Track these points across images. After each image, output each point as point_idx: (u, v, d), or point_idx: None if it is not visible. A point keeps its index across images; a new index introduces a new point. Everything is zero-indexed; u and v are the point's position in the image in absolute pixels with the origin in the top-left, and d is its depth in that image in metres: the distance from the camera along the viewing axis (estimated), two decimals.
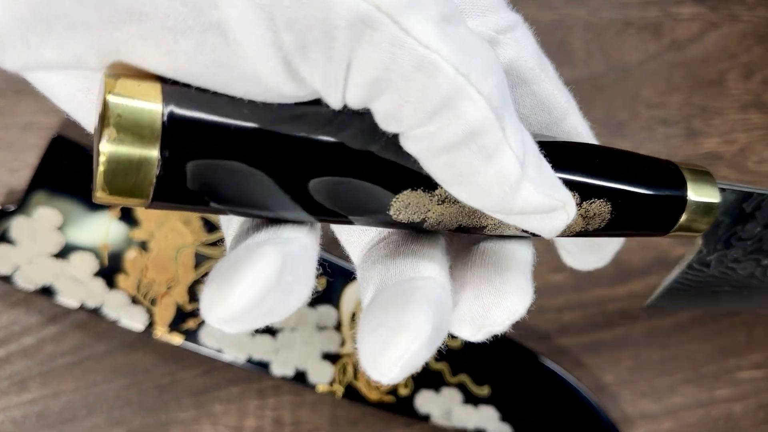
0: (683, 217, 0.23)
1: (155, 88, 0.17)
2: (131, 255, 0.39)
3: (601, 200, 0.21)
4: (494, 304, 0.21)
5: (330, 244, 0.27)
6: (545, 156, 0.19)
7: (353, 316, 0.42)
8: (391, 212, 0.19)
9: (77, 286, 0.38)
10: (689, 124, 0.49)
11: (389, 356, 0.18)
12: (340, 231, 0.24)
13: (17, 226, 0.37)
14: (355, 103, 0.17)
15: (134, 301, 0.39)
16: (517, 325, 0.49)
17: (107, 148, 0.16)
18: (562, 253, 0.26)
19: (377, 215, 0.19)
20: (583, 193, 0.21)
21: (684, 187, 0.22)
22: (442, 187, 0.19)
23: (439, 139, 0.17)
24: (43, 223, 0.38)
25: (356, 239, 0.23)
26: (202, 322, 0.39)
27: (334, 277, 0.41)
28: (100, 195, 0.17)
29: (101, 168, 0.16)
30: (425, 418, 0.42)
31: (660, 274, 0.47)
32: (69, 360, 0.40)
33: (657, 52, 0.49)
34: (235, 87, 0.17)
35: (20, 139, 0.40)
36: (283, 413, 0.42)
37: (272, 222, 0.19)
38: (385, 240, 0.22)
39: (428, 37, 0.16)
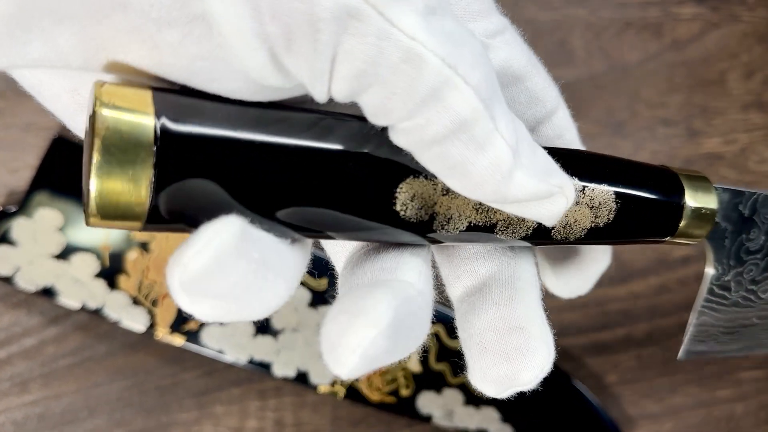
0: (682, 223, 0.22)
1: (146, 98, 0.16)
2: (132, 256, 0.39)
3: (603, 185, 0.21)
4: (521, 366, 0.21)
5: None
6: None
7: None
8: (398, 207, 0.19)
9: (78, 287, 0.38)
10: (690, 124, 0.49)
11: (347, 343, 0.17)
12: (326, 241, 0.24)
13: (18, 227, 0.37)
14: (341, 96, 0.17)
15: (135, 302, 0.39)
16: None
17: (98, 173, 0.15)
18: (544, 278, 0.26)
19: (382, 213, 0.19)
20: (586, 181, 0.21)
21: (681, 192, 0.22)
22: None
23: (429, 131, 0.17)
24: (44, 224, 0.38)
25: (341, 249, 0.23)
26: (204, 324, 0.39)
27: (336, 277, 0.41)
28: (93, 221, 0.16)
29: (93, 196, 0.16)
30: (427, 419, 0.42)
31: (661, 274, 0.47)
32: (70, 361, 0.40)
33: (657, 52, 0.49)
34: (221, 82, 0.17)
35: (21, 139, 0.40)
36: (285, 414, 0.42)
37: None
38: (367, 246, 0.22)
39: (414, 28, 0.16)
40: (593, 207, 0.21)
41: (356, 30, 0.15)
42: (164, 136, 0.16)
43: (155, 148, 0.16)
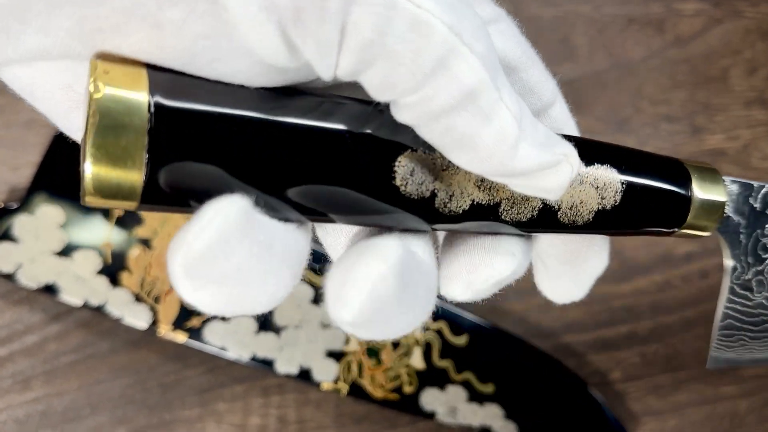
0: (690, 213, 0.22)
1: (142, 77, 0.16)
2: (134, 253, 0.39)
3: (606, 166, 0.21)
4: (481, 261, 0.21)
5: None
6: None
7: None
8: (397, 181, 0.19)
9: (80, 284, 0.38)
10: (693, 121, 0.49)
11: (354, 278, 0.17)
12: (325, 235, 0.23)
13: (20, 224, 0.37)
14: (346, 72, 0.17)
15: (138, 299, 0.39)
16: (521, 323, 0.49)
17: (92, 151, 0.15)
18: (540, 283, 0.25)
19: (382, 189, 0.19)
20: (588, 162, 0.21)
21: (689, 183, 0.22)
22: None
23: (436, 102, 0.17)
24: (45, 221, 0.38)
25: (339, 241, 0.23)
26: (207, 320, 0.39)
27: None
28: (89, 200, 0.16)
29: (88, 174, 0.16)
30: (430, 416, 0.42)
31: (665, 271, 0.47)
32: (72, 358, 0.40)
33: (660, 49, 0.49)
34: (224, 63, 0.17)
35: (22, 137, 0.40)
36: (288, 411, 0.42)
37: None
38: (368, 231, 0.21)
39: None
40: (598, 187, 0.21)
41: (364, 0, 0.15)
42: (159, 114, 0.16)
43: (150, 126, 0.16)
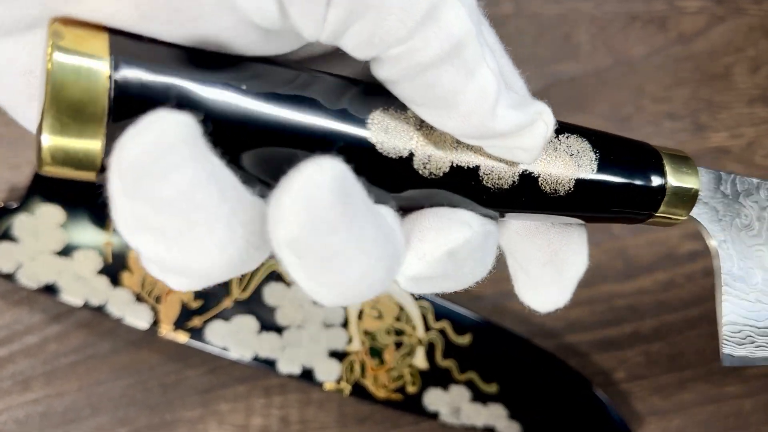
0: (665, 198, 0.22)
1: (103, 42, 0.15)
2: (135, 252, 0.39)
3: (575, 135, 0.21)
4: (432, 226, 0.20)
5: None
6: None
7: (360, 314, 0.41)
8: (373, 140, 0.18)
9: (81, 283, 0.38)
10: (696, 119, 0.48)
11: (289, 189, 0.15)
12: None
13: (20, 223, 0.37)
14: (334, 27, 0.16)
15: (139, 298, 0.38)
16: (525, 322, 0.48)
17: (49, 119, 0.15)
18: (520, 292, 0.24)
19: (357, 144, 0.18)
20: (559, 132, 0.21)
21: (661, 161, 0.22)
22: None
23: (423, 53, 0.16)
24: (45, 221, 0.37)
25: None
26: (208, 320, 0.39)
27: None
28: (47, 169, 0.15)
29: (45, 143, 0.15)
30: (433, 416, 0.42)
31: (668, 270, 0.47)
32: (73, 359, 0.40)
33: (663, 46, 0.48)
34: (208, 20, 0.16)
35: (22, 135, 0.40)
36: (290, 411, 0.42)
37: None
38: None
39: None
40: (573, 155, 0.21)
41: None
42: (120, 81, 0.15)
43: (110, 94, 0.15)
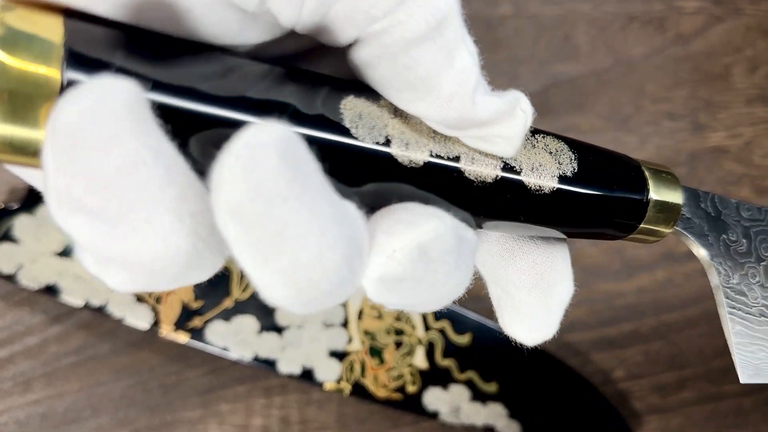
0: (647, 214, 0.22)
1: (57, 27, 0.14)
2: None
3: (551, 136, 0.21)
4: (401, 219, 0.18)
5: None
6: None
7: (360, 314, 0.41)
8: (347, 123, 0.18)
9: (81, 284, 0.38)
10: (695, 119, 0.49)
11: (229, 150, 0.13)
12: None
13: (20, 224, 0.37)
14: (312, 8, 0.16)
15: (139, 299, 0.39)
16: None
17: None
18: (505, 324, 0.23)
19: (332, 131, 0.18)
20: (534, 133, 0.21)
21: (643, 177, 0.22)
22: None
23: (405, 28, 0.16)
24: (46, 222, 0.37)
25: None
26: (208, 320, 0.39)
27: None
28: None
29: None
30: (433, 416, 0.42)
31: (667, 269, 0.47)
32: (73, 360, 0.40)
33: (662, 47, 0.49)
34: (176, 3, 0.15)
35: None
36: (290, 412, 0.42)
37: None
38: None
39: None
40: (552, 152, 0.21)
41: None
42: (72, 66, 0.14)
43: (62, 80, 0.14)
